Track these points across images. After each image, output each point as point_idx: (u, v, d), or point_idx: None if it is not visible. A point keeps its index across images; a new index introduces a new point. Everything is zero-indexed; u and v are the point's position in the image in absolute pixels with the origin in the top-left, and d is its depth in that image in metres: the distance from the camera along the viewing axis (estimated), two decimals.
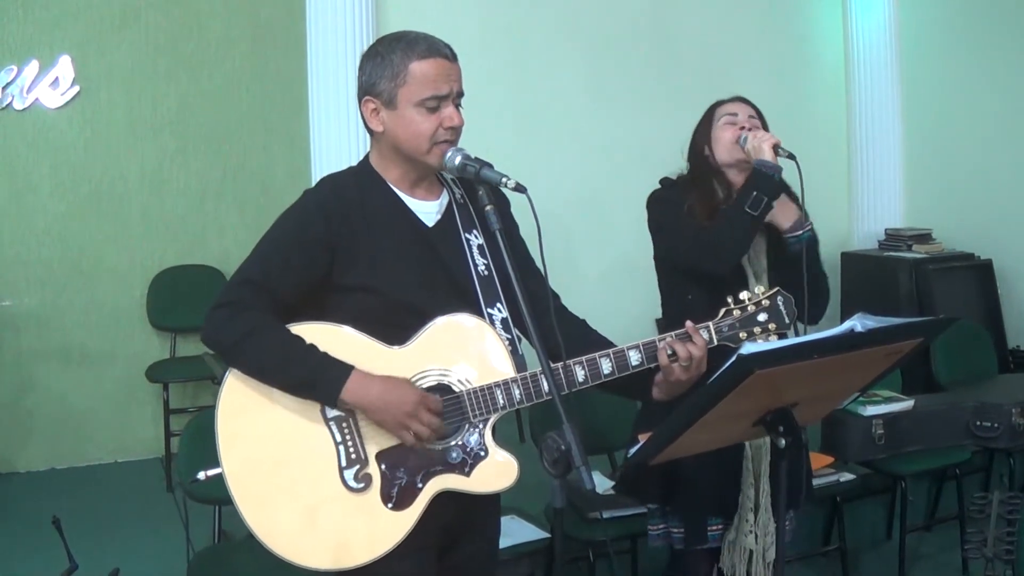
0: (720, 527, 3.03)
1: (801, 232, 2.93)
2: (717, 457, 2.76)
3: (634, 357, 2.20)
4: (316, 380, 2.09)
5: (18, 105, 5.31)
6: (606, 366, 2.18)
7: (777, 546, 2.43)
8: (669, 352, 2.19)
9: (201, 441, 2.93)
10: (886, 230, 6.69)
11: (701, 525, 3.00)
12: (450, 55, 2.19)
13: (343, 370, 2.09)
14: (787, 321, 2.27)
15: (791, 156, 2.90)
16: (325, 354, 2.10)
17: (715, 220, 2.89)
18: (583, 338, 2.30)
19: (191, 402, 5.60)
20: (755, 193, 2.81)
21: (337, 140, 5.42)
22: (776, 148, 2.87)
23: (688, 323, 2.23)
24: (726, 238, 2.84)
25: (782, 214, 2.95)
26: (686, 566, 3.12)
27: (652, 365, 2.22)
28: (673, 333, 2.22)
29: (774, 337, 2.25)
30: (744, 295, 2.28)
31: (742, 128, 3.00)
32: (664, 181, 3.12)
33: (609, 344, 2.26)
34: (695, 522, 3.00)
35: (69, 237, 5.48)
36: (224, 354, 2.16)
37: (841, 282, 6.66)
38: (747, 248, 2.91)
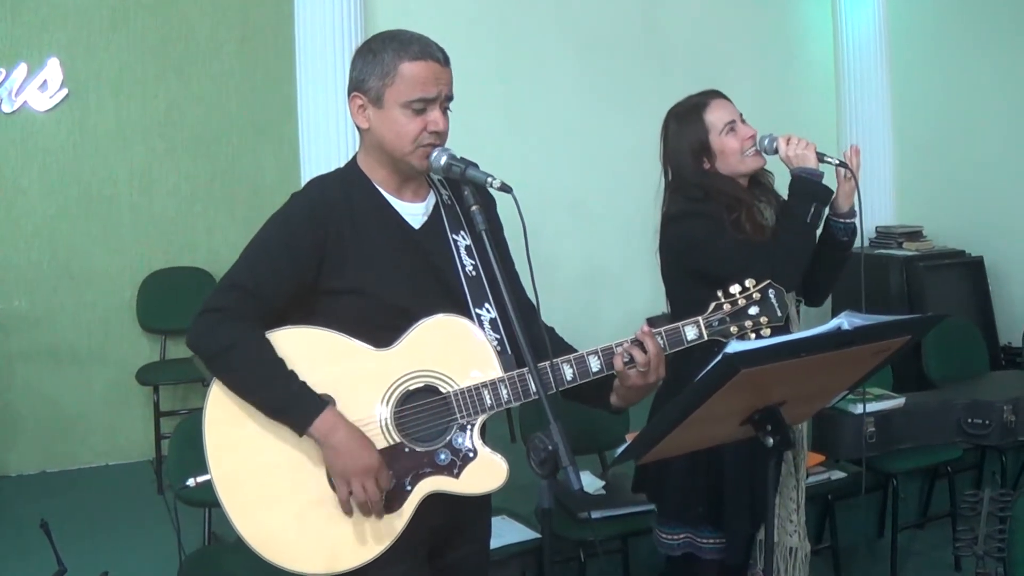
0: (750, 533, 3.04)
1: (855, 219, 2.93)
2: (753, 467, 2.77)
3: (594, 363, 2.17)
4: (290, 408, 2.09)
5: (7, 108, 5.30)
6: (594, 364, 2.17)
7: (766, 540, 2.43)
8: (626, 358, 2.16)
9: (191, 444, 2.91)
10: (877, 228, 6.69)
11: (747, 538, 2.99)
12: (442, 59, 2.18)
13: (318, 405, 2.08)
14: (779, 314, 2.23)
15: (842, 164, 2.88)
16: (303, 384, 2.09)
17: (782, 235, 2.85)
18: (552, 343, 2.27)
19: (181, 404, 5.59)
20: (815, 204, 2.80)
21: (326, 141, 5.41)
22: (818, 154, 2.85)
23: (643, 328, 2.18)
24: (801, 252, 2.82)
25: (844, 196, 2.92)
26: (701, 573, 3.10)
27: (611, 372, 2.18)
28: (629, 339, 2.18)
29: (767, 331, 2.23)
30: (734, 288, 2.24)
31: (751, 137, 2.94)
32: (687, 192, 2.96)
33: (572, 349, 2.24)
34: (741, 536, 2.97)
35: (58, 239, 5.47)
36: (206, 363, 2.15)
37: None
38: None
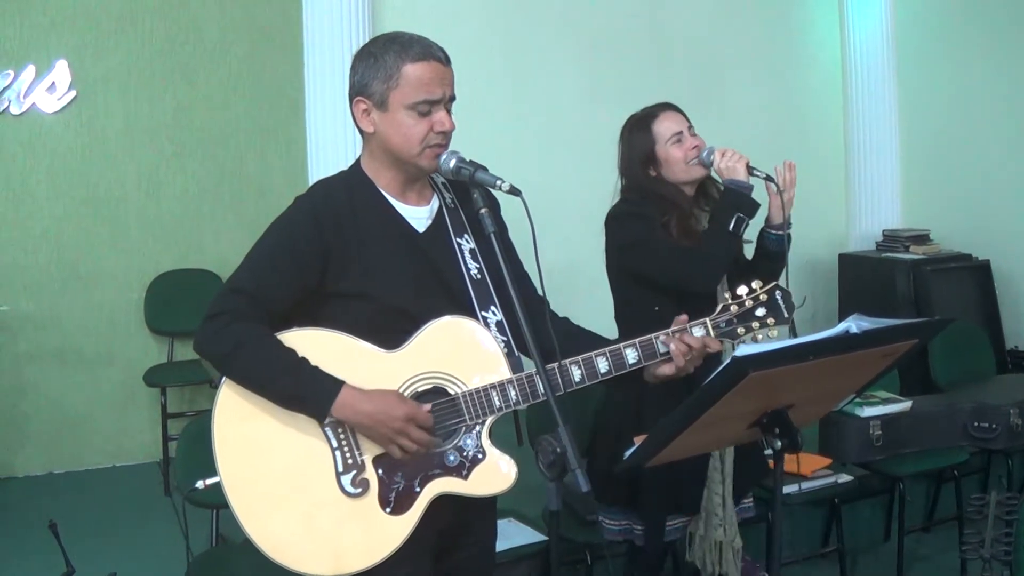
0: (680, 522, 3.18)
1: (788, 231, 3.05)
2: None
3: (631, 355, 2.19)
4: (306, 394, 2.09)
5: (15, 110, 5.30)
6: (603, 365, 2.18)
7: (770, 542, 2.44)
8: (682, 348, 2.18)
9: (198, 446, 2.91)
10: (884, 231, 6.68)
11: (661, 524, 3.13)
12: (444, 59, 2.18)
13: (334, 385, 2.08)
14: (786, 315, 2.27)
15: (769, 178, 3.03)
16: (316, 368, 2.09)
17: (703, 241, 3.00)
18: (568, 334, 2.30)
19: (189, 406, 5.60)
20: (738, 214, 2.94)
21: (333, 144, 5.42)
22: (749, 168, 2.99)
23: (683, 316, 2.24)
24: (718, 258, 2.96)
25: (775, 209, 3.05)
26: (646, 560, 3.20)
27: (649, 363, 2.20)
28: (669, 330, 2.21)
29: (773, 332, 2.25)
30: (741, 290, 2.26)
31: (696, 148, 3.08)
32: (630, 196, 3.16)
33: (592, 335, 2.29)
34: (656, 521, 3.12)
35: (66, 241, 5.47)
36: (216, 365, 2.15)
37: (839, 284, 6.66)
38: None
